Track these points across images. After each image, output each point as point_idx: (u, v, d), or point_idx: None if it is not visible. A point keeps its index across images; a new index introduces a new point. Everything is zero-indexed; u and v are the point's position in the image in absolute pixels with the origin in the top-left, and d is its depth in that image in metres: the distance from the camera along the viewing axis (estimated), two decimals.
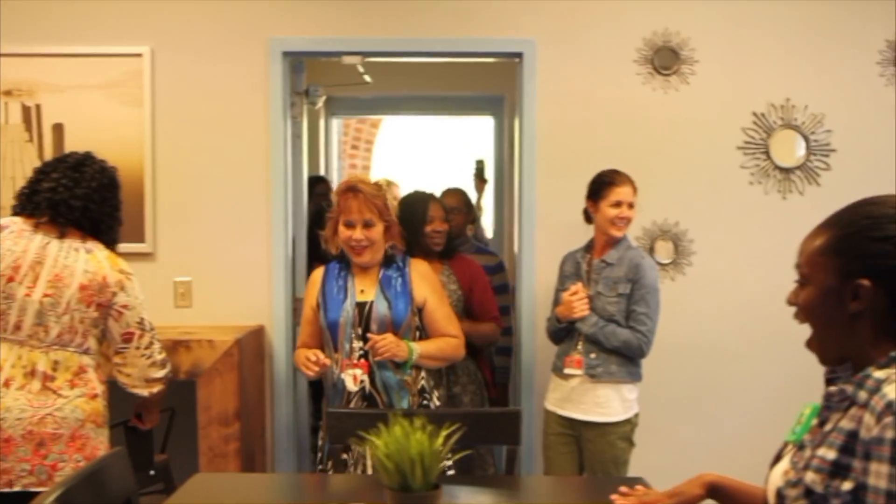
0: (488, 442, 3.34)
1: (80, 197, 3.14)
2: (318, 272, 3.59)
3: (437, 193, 4.64)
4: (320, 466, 3.44)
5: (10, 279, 3.04)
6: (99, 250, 3.17)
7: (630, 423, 3.84)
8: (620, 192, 3.84)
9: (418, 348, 3.41)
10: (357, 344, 3.38)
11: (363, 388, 3.36)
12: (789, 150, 4.51)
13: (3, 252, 3.06)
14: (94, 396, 3.12)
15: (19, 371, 3.03)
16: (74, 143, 4.35)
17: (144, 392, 3.23)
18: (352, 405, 3.32)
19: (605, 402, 3.80)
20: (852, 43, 4.49)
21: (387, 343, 3.31)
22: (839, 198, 4.47)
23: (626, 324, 3.79)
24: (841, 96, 4.50)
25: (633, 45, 4.46)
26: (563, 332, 3.92)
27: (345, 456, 3.26)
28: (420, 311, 3.50)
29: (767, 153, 4.50)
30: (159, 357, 3.24)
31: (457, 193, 4.96)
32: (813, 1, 4.48)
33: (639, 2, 4.46)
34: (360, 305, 3.42)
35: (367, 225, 3.42)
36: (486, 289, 4.37)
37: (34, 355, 3.05)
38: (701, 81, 4.47)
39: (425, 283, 3.54)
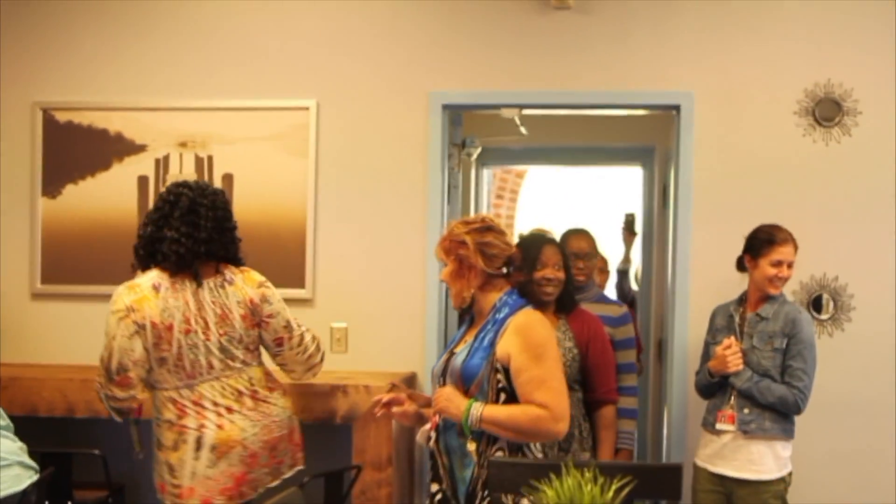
0: (649, 496, 3.28)
1: (203, 241, 3.36)
2: None
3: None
4: None
5: (187, 331, 3.35)
6: (235, 276, 3.46)
7: (784, 482, 3.76)
8: (782, 252, 3.79)
9: (478, 411, 2.95)
10: None
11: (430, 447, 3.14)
12: None
13: (171, 310, 3.33)
14: (285, 392, 3.62)
15: (230, 399, 3.42)
16: (243, 192, 4.59)
17: (311, 379, 3.69)
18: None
19: (758, 459, 3.72)
20: None
21: (439, 396, 3.04)
22: None
23: (782, 379, 3.72)
24: None
25: (794, 97, 4.41)
26: (714, 386, 3.87)
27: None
28: (507, 370, 3.00)
29: None
30: (312, 347, 3.62)
31: (583, 236, 4.35)
32: None
33: (800, 53, 4.41)
34: (452, 355, 3.14)
35: (445, 266, 3.18)
36: (604, 351, 3.90)
37: (232, 381, 3.44)
38: (864, 133, 4.38)
39: (517, 337, 2.99)
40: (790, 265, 3.81)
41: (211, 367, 3.39)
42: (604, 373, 3.87)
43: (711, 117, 4.45)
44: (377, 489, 4.15)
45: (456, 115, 4.81)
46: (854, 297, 4.40)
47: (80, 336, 4.61)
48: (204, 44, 4.70)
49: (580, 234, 4.37)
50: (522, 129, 6.09)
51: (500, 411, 2.95)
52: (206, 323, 3.37)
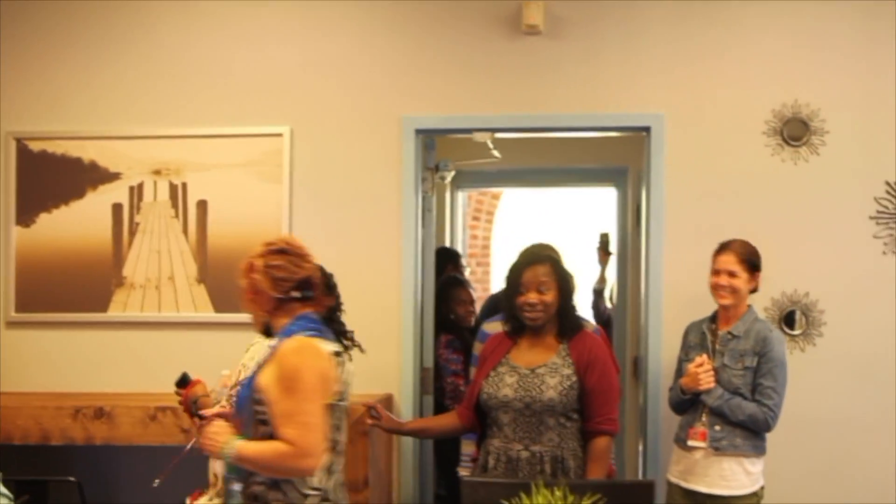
0: None
1: (340, 322, 3.71)
2: None
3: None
4: None
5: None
6: None
7: (756, 497, 3.79)
8: (719, 261, 3.89)
9: (234, 448, 2.75)
10: None
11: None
12: None
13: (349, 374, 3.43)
14: None
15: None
16: (217, 218, 4.61)
17: None
18: None
19: (729, 475, 3.75)
20: None
21: (205, 432, 2.83)
22: None
23: (752, 397, 3.75)
24: None
25: (762, 117, 4.46)
26: (686, 403, 3.90)
27: None
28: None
29: None
30: None
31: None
32: None
33: (768, 74, 4.48)
34: None
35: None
36: (603, 377, 3.67)
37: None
38: (832, 152, 4.44)
39: (274, 366, 2.78)
40: (731, 273, 3.85)
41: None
42: (601, 400, 3.64)
43: (682, 138, 4.51)
44: None
45: (429, 139, 4.84)
46: (825, 312, 4.45)
47: (55, 364, 4.61)
48: (177, 71, 4.73)
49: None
50: (495, 153, 6.14)
51: (251, 448, 2.75)
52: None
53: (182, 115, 4.71)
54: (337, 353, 3.09)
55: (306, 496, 2.84)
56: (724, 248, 3.92)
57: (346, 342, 3.69)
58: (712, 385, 3.76)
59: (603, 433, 3.65)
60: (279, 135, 4.62)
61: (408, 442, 4.60)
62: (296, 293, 2.90)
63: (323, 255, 4.51)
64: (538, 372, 3.64)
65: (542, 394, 3.58)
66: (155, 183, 4.69)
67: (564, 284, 3.73)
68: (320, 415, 2.75)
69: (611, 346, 4.62)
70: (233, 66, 4.70)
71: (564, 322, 3.74)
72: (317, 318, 2.95)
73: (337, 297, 3.73)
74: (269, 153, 4.62)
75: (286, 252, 2.94)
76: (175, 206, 4.67)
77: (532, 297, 3.66)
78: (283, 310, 2.91)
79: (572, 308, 3.79)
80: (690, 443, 3.83)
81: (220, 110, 4.69)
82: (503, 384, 3.66)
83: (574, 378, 3.62)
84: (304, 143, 4.64)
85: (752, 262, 3.88)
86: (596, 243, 6.56)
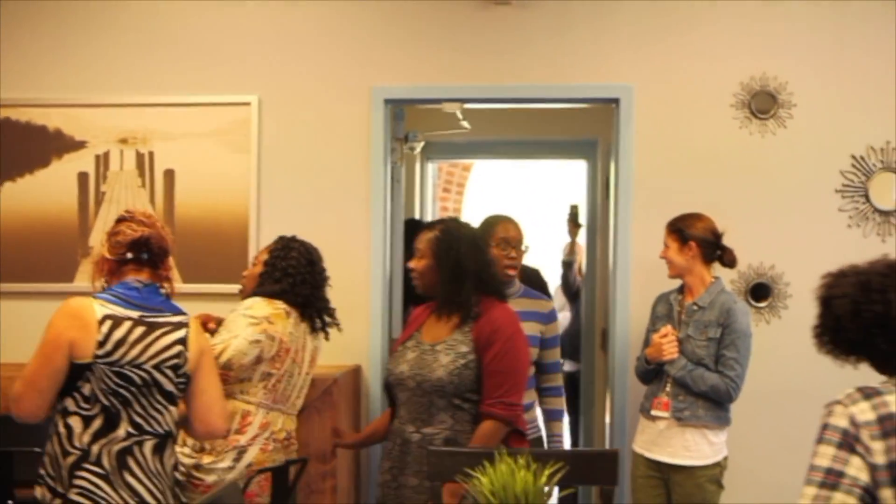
0: (586, 482, 3.34)
1: (322, 296, 3.77)
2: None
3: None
4: None
5: (294, 361, 3.63)
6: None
7: (719, 466, 3.82)
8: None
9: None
10: None
11: None
12: (889, 192, 4.47)
13: (294, 336, 3.61)
14: None
15: (282, 436, 3.61)
16: (185, 188, 4.59)
17: None
18: None
19: (692, 446, 3.79)
20: None
21: None
22: None
23: (715, 368, 3.78)
24: None
25: (730, 90, 4.49)
26: (651, 373, 3.94)
27: None
28: None
29: (867, 196, 4.46)
30: None
31: (511, 222, 4.08)
32: None
33: (736, 47, 4.50)
34: None
35: None
36: (504, 356, 3.25)
37: (289, 422, 3.66)
38: (799, 125, 4.47)
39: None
40: (665, 245, 3.94)
41: (289, 399, 3.65)
42: (494, 381, 3.23)
43: (650, 110, 4.52)
44: (322, 481, 4.17)
45: (398, 109, 4.83)
46: (790, 284, 4.49)
47: (19, 334, 4.54)
48: (144, 39, 4.68)
49: (509, 220, 4.09)
50: (465, 123, 6.13)
51: None
52: (304, 361, 3.66)
53: (149, 83, 4.66)
54: (133, 321, 2.92)
55: (67, 454, 2.87)
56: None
57: (319, 320, 3.73)
58: (675, 355, 3.80)
59: (489, 416, 3.22)
60: (247, 104, 4.59)
61: (376, 412, 4.61)
62: (129, 254, 2.98)
63: (291, 224, 4.55)
64: (436, 349, 3.31)
65: (432, 372, 3.26)
66: (121, 152, 4.65)
67: (442, 255, 3.33)
68: (35, 368, 2.86)
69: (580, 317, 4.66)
70: (201, 34, 4.66)
71: (443, 296, 3.36)
72: (138, 286, 2.97)
73: (319, 272, 3.77)
74: (237, 122, 4.59)
75: (127, 220, 3.06)
76: (142, 175, 4.64)
77: (412, 262, 3.46)
78: (118, 274, 3.01)
79: (457, 282, 3.32)
80: (654, 412, 3.87)
81: (188, 79, 4.65)
82: (403, 360, 3.38)
83: (471, 357, 3.25)
84: (272, 112, 4.62)
85: (679, 232, 3.89)
86: (565, 215, 6.57)
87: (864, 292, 2.04)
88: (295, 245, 3.75)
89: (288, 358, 3.58)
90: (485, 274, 3.38)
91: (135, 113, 4.63)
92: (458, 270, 3.32)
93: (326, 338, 3.80)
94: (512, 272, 4.00)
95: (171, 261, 3.13)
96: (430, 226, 3.55)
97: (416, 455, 3.24)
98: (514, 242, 4.02)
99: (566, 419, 4.49)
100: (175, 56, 4.66)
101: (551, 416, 4.12)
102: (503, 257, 3.95)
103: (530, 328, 3.81)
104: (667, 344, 3.80)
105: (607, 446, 4.74)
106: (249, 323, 3.47)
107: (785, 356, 4.44)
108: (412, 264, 3.43)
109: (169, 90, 4.64)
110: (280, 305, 3.57)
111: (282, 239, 3.80)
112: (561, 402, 4.15)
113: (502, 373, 3.24)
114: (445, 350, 3.28)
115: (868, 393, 1.99)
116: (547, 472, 2.16)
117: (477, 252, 3.40)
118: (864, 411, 1.94)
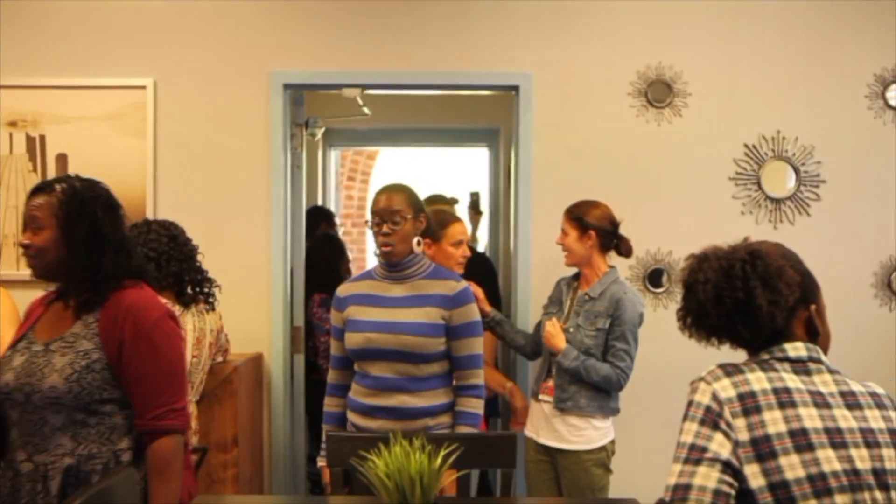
0: (485, 465, 3.35)
1: (194, 267, 3.70)
2: None
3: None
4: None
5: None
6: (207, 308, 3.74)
7: (605, 450, 3.85)
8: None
9: None
10: None
11: None
12: (780, 181, 4.60)
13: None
14: None
15: None
16: (78, 173, 4.42)
17: None
18: None
19: (576, 431, 3.82)
20: (842, 76, 4.59)
21: None
22: (829, 227, 4.59)
23: (604, 358, 3.80)
24: (830, 129, 4.59)
25: (628, 79, 4.56)
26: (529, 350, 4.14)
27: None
28: None
29: (759, 184, 4.58)
30: None
31: (390, 192, 3.50)
32: (804, 36, 4.58)
33: (633, 36, 4.57)
34: None
35: None
36: (155, 353, 2.59)
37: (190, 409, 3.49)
38: (694, 114, 4.57)
39: None
40: (563, 232, 3.94)
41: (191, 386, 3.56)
42: (149, 386, 2.57)
43: (550, 98, 4.56)
44: (223, 471, 4.12)
45: (298, 94, 4.78)
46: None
47: None
48: (35, 19, 4.53)
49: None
50: (365, 110, 6.12)
51: None
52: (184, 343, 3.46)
53: (40, 64, 4.52)
54: None
55: None
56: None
57: (194, 293, 3.70)
58: (563, 347, 3.81)
59: (163, 431, 2.58)
60: (142, 87, 4.49)
61: (278, 400, 4.58)
62: None
63: (189, 211, 4.49)
64: (51, 348, 2.58)
65: (43, 380, 2.52)
66: (11, 135, 4.51)
67: (73, 222, 2.59)
68: None
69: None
70: (95, 14, 4.53)
71: (72, 277, 2.63)
72: None
73: (183, 244, 3.71)
74: (132, 106, 4.49)
75: None
76: (33, 159, 4.51)
77: (25, 237, 2.62)
78: None
79: (93, 256, 2.60)
80: (542, 397, 3.92)
81: (80, 60, 4.52)
82: (9, 367, 2.60)
83: (97, 356, 2.55)
84: (168, 96, 4.53)
85: (579, 220, 3.89)
86: (467, 202, 6.61)
87: (726, 279, 2.07)
88: (152, 227, 3.67)
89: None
90: (127, 245, 2.70)
91: (25, 95, 4.49)
92: (93, 241, 2.60)
93: (217, 315, 3.79)
94: (386, 248, 3.40)
95: None
96: (46, 187, 2.64)
97: (28, 491, 2.51)
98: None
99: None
100: (67, 36, 4.52)
101: (460, 420, 3.37)
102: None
103: (427, 314, 3.35)
104: (553, 339, 3.84)
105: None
106: None
107: (681, 339, 4.47)
108: (26, 240, 2.59)
109: (61, 72, 4.51)
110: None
111: (136, 226, 3.59)
112: (475, 405, 3.38)
113: (158, 374, 2.58)
114: (62, 349, 2.56)
115: (729, 370, 2.03)
116: (442, 454, 2.17)
117: (115, 216, 2.70)
118: (726, 388, 1.98)
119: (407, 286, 3.41)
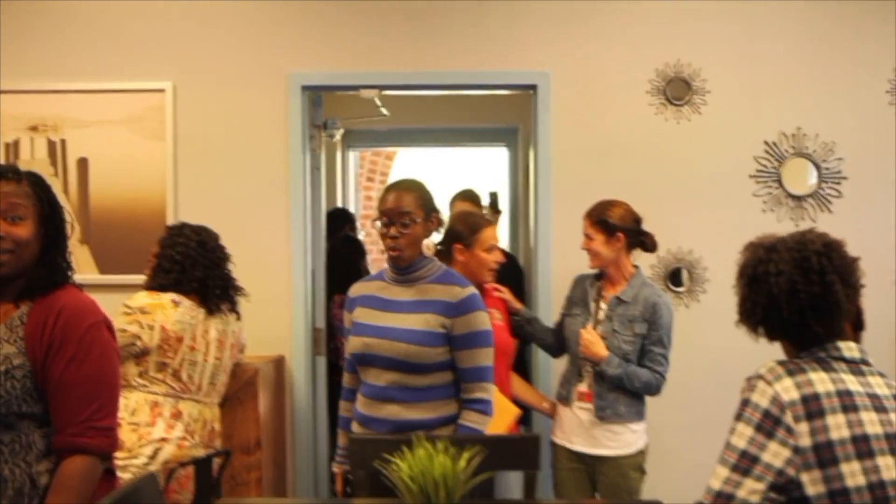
0: (508, 467, 3.31)
1: (221, 274, 3.75)
2: None
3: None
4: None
5: (192, 348, 3.61)
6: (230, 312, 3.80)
7: (642, 454, 3.81)
8: (584, 225, 3.89)
9: None
10: None
11: None
12: (801, 178, 4.57)
13: (184, 324, 3.57)
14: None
15: (199, 425, 3.62)
16: (99, 177, 4.49)
17: None
18: None
19: (615, 437, 3.77)
20: (862, 72, 4.55)
21: None
22: (851, 224, 4.55)
23: (642, 362, 3.75)
24: (851, 125, 4.56)
25: (646, 77, 4.54)
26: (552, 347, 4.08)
27: None
28: None
29: (780, 181, 4.55)
30: None
31: (399, 190, 3.23)
32: (823, 32, 4.55)
33: (651, 34, 4.55)
34: None
35: None
36: (83, 362, 2.27)
37: (206, 411, 3.67)
38: (713, 111, 4.55)
39: None
40: (587, 237, 3.84)
41: (199, 387, 3.64)
42: (73, 398, 2.25)
43: (568, 97, 4.55)
44: (247, 473, 4.13)
45: (316, 96, 4.78)
46: (708, 269, 4.57)
47: None
48: (55, 23, 4.56)
49: (397, 188, 3.27)
50: (383, 110, 6.12)
51: None
52: (208, 347, 3.65)
53: (61, 69, 4.55)
54: None
55: None
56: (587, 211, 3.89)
57: (221, 301, 3.73)
58: (605, 355, 3.72)
59: (77, 450, 2.25)
60: (161, 90, 4.52)
61: (301, 402, 4.59)
62: None
63: (209, 213, 4.49)
64: None
65: None
66: (32, 140, 4.53)
67: (48, 213, 2.35)
68: None
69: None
70: (113, 18, 4.55)
71: (35, 271, 2.33)
72: None
73: (211, 251, 3.76)
74: (152, 109, 4.51)
75: None
76: (54, 164, 4.53)
77: (2, 229, 2.27)
78: None
79: (58, 246, 2.37)
80: (578, 404, 3.82)
81: (101, 64, 4.55)
82: None
83: (19, 361, 2.24)
84: (187, 99, 4.55)
85: (604, 223, 3.79)
86: (486, 202, 6.59)
87: (801, 272, 1.97)
88: (184, 231, 3.73)
89: (182, 346, 3.56)
90: (64, 238, 2.41)
91: (46, 100, 4.52)
92: (58, 238, 2.38)
93: (238, 317, 3.84)
94: (394, 253, 3.20)
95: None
96: (9, 172, 2.33)
97: None
98: (394, 215, 3.20)
99: None
100: (87, 41, 4.55)
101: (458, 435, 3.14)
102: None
103: (426, 321, 3.14)
104: (593, 346, 3.74)
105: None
106: (123, 313, 3.51)
107: (704, 339, 4.51)
108: (2, 231, 2.25)
109: (81, 76, 4.54)
110: (164, 296, 3.58)
111: (169, 228, 3.80)
112: (476, 420, 3.15)
113: (84, 384, 2.26)
114: None
115: (791, 369, 1.93)
116: (466, 457, 2.16)
117: (56, 205, 2.42)
118: (789, 389, 1.89)
119: (414, 290, 3.21)
